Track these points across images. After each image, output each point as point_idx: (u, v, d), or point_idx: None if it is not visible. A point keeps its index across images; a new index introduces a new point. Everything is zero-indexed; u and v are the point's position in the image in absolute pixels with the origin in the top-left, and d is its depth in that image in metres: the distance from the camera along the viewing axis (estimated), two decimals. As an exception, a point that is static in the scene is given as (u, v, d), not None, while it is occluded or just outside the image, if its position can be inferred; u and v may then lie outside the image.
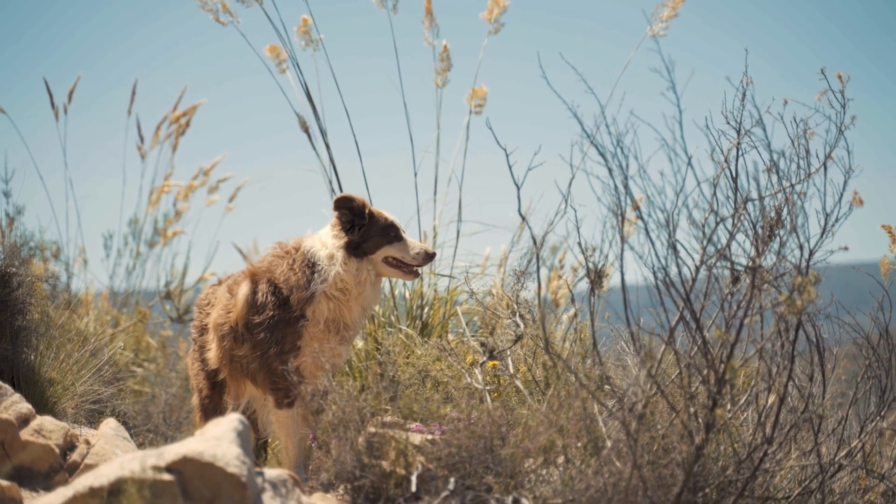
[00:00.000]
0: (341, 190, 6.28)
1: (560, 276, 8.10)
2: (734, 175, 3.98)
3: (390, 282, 6.19)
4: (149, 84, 9.66)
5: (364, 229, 4.84)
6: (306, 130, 6.44)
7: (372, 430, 3.91)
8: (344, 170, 6.37)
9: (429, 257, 4.91)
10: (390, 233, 4.88)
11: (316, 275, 4.79)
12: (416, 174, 6.51)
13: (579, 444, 3.72)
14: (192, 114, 9.65)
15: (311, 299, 4.77)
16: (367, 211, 4.88)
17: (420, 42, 6.66)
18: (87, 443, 4.45)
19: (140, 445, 5.97)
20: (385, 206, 5.04)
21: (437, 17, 6.63)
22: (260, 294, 4.83)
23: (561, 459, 3.72)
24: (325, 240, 4.88)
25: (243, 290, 4.90)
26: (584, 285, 4.15)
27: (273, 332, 4.77)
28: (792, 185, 3.94)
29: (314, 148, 6.43)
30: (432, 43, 6.64)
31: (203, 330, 5.24)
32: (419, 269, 5.00)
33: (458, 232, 6.53)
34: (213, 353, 5.06)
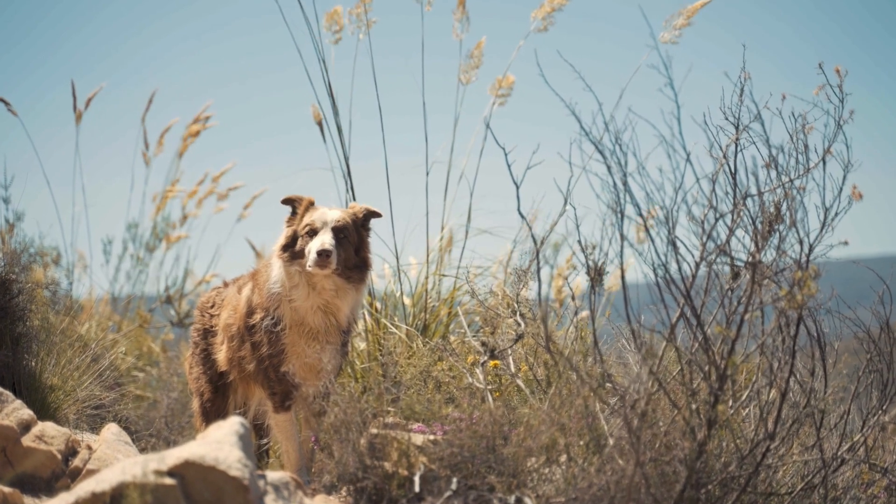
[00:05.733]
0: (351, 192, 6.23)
1: (563, 276, 8.07)
2: (733, 171, 3.97)
3: (391, 281, 6.20)
4: (155, 88, 9.66)
5: (293, 229, 4.77)
6: (319, 123, 6.37)
7: (374, 431, 3.90)
8: (361, 169, 6.31)
9: (318, 260, 4.59)
10: (308, 232, 4.70)
11: (272, 275, 4.79)
12: (427, 174, 6.36)
13: (581, 443, 3.71)
14: (204, 128, 9.69)
15: (273, 301, 4.75)
16: (297, 210, 4.81)
17: (444, 40, 6.51)
18: (89, 448, 4.45)
19: (142, 450, 5.96)
20: (394, 206, 4.89)
21: (469, 11, 6.40)
22: (255, 296, 4.83)
23: (563, 458, 3.72)
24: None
25: (245, 291, 4.93)
26: (585, 285, 4.15)
27: (264, 334, 4.77)
28: (791, 180, 3.94)
29: (335, 148, 6.35)
30: (460, 36, 6.42)
31: (206, 333, 5.21)
32: (340, 265, 4.65)
33: (466, 232, 6.46)
34: (222, 355, 5.05)
